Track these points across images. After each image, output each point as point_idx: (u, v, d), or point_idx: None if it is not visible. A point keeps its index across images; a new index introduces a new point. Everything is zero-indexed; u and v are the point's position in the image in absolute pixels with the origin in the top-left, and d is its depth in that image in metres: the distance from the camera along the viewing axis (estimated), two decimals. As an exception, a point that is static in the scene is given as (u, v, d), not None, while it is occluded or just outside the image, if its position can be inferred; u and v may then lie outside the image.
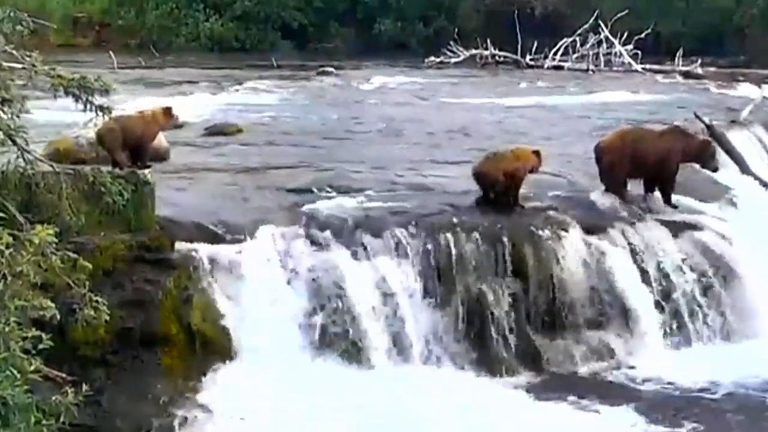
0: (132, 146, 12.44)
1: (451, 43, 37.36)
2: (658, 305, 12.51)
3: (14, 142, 8.35)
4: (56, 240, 6.87)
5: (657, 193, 13.92)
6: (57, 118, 15.19)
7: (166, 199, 11.18)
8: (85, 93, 8.49)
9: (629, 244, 12.79)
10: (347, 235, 11.61)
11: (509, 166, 12.70)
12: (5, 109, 8.07)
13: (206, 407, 9.76)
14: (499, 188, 12.69)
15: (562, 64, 35.00)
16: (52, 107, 11.84)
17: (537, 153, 12.91)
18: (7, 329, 6.20)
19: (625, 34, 35.13)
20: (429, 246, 11.77)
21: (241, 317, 10.53)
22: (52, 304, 6.64)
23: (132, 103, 17.57)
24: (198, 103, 22.28)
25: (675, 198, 13.92)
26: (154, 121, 12.83)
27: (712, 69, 33.09)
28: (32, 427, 6.12)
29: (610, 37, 35.22)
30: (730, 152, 17.40)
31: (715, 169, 14.27)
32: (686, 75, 32.34)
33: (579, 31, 35.75)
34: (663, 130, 14.23)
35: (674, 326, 12.51)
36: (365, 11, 44.87)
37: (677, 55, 34.05)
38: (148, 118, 12.78)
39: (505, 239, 12.12)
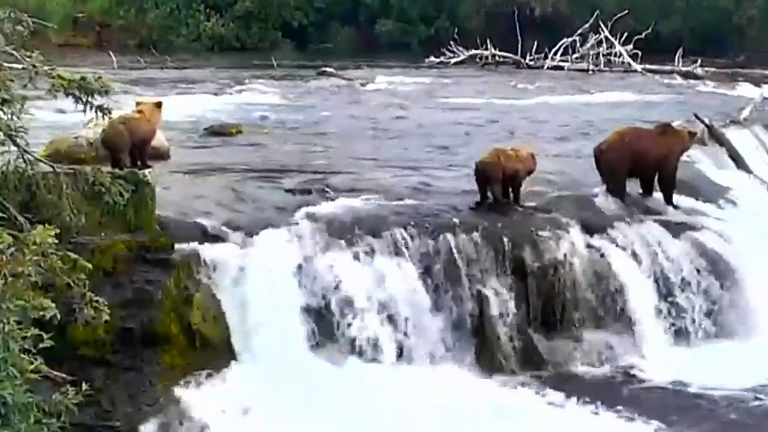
0: (137, 146, 12.44)
1: (452, 43, 37.38)
2: (658, 305, 12.54)
3: (14, 143, 8.33)
4: (56, 240, 6.86)
5: (657, 193, 13.95)
6: (57, 118, 15.22)
7: (167, 199, 11.18)
8: (85, 94, 8.46)
9: (629, 244, 12.79)
10: (347, 235, 11.59)
11: (513, 166, 12.70)
12: (5, 109, 8.05)
13: (206, 407, 9.76)
14: (499, 186, 12.69)
15: (562, 64, 35.02)
16: (53, 107, 11.88)
17: (533, 156, 12.96)
18: (7, 329, 6.20)
19: (625, 34, 35.14)
20: (429, 246, 11.78)
21: (242, 317, 10.52)
22: (53, 304, 6.63)
23: (131, 103, 17.56)
24: (198, 103, 22.28)
25: (675, 198, 13.95)
26: (152, 118, 12.84)
27: (712, 69, 33.10)
28: (32, 426, 6.12)
29: (610, 37, 35.25)
30: (730, 152, 17.42)
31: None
32: (686, 75, 32.35)
33: (579, 31, 35.77)
34: (660, 129, 14.20)
35: (674, 326, 12.54)
36: (366, 11, 44.89)
37: (677, 55, 34.06)
38: (146, 116, 12.78)
39: (505, 239, 12.13)
